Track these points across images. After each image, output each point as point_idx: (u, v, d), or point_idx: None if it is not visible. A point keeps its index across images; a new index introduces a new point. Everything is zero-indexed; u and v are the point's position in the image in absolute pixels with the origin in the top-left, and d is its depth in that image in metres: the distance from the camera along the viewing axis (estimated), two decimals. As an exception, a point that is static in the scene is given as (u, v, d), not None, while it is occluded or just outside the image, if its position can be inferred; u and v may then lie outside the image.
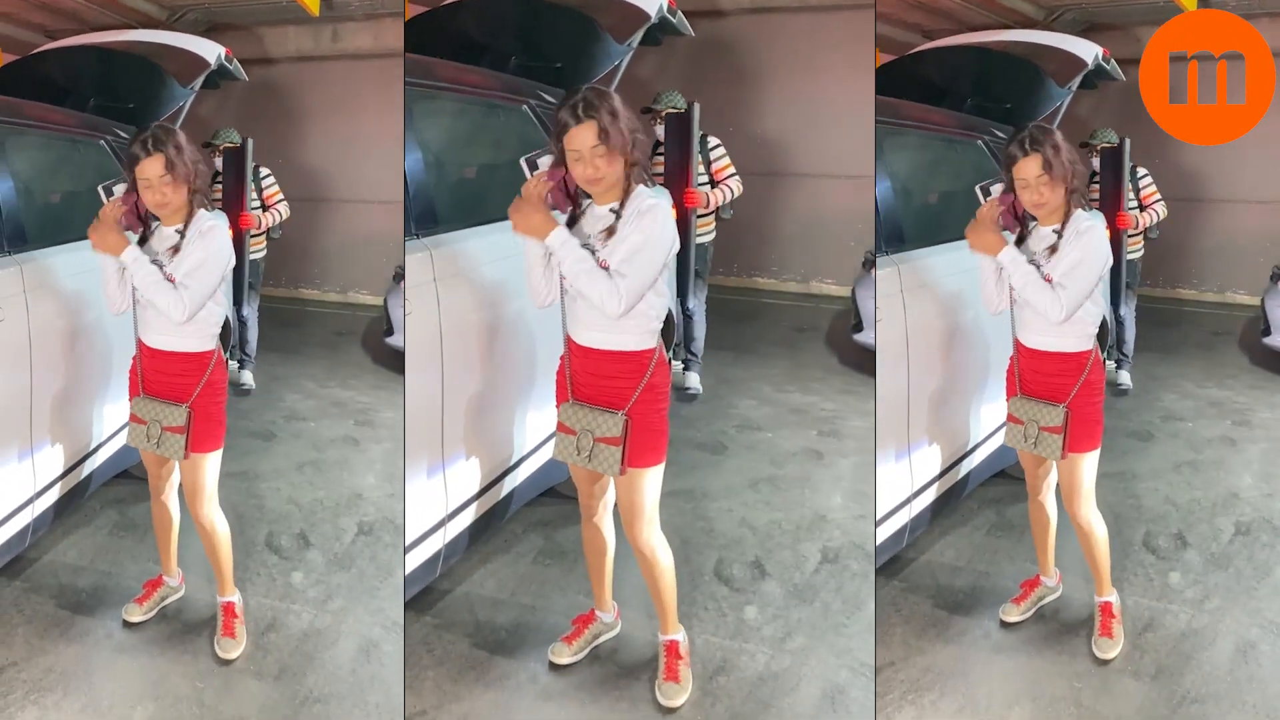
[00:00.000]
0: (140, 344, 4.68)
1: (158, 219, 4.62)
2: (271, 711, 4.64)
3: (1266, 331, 5.53)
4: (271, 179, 5.51)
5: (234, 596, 4.90)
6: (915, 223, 5.26)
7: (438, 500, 4.78)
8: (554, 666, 4.65)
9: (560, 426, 4.37)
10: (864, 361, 5.22)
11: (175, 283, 4.51)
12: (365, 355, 5.53)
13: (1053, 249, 4.48)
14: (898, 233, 5.17)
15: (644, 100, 5.40)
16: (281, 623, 4.95)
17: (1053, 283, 4.46)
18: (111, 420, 5.37)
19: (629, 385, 4.27)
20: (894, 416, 5.02)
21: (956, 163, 5.52)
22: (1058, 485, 4.80)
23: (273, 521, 5.25)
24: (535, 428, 5.13)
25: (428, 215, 4.87)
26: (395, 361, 5.15)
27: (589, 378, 4.31)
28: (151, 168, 4.52)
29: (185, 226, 4.56)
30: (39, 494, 5.15)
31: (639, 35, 5.45)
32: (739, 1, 5.66)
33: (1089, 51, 5.40)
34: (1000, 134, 5.54)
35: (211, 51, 5.49)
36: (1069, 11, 5.59)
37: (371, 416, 5.40)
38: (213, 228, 4.56)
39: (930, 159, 5.49)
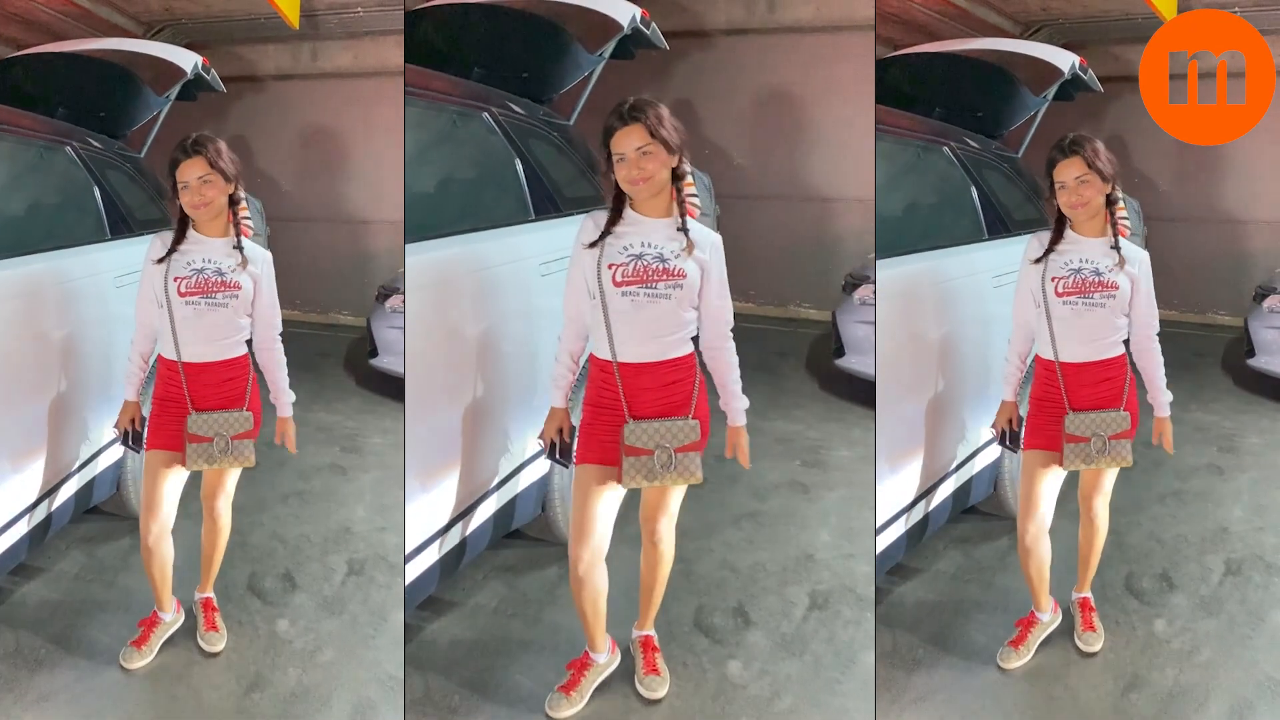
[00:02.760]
0: (183, 366, 4.53)
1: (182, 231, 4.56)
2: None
3: (1251, 353, 5.35)
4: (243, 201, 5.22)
5: (211, 592, 4.73)
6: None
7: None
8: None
9: (629, 450, 4.20)
10: (846, 388, 5.04)
11: (253, 316, 4.59)
12: (349, 378, 5.26)
13: (1120, 263, 4.50)
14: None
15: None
16: (267, 680, 4.55)
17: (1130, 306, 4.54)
18: (82, 452, 5.05)
19: (685, 390, 4.25)
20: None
21: (920, 170, 5.26)
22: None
23: (255, 560, 4.90)
24: (498, 462, 4.84)
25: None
26: (380, 384, 5.02)
27: (644, 393, 4.23)
28: (191, 169, 4.49)
29: (238, 242, 4.55)
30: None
31: (610, 46, 5.22)
32: (717, 22, 5.40)
33: (1065, 60, 5.22)
34: (972, 143, 5.32)
35: (188, 60, 5.29)
36: (1044, 28, 5.42)
37: (359, 443, 5.10)
38: (268, 260, 4.63)
39: (894, 167, 5.18)
